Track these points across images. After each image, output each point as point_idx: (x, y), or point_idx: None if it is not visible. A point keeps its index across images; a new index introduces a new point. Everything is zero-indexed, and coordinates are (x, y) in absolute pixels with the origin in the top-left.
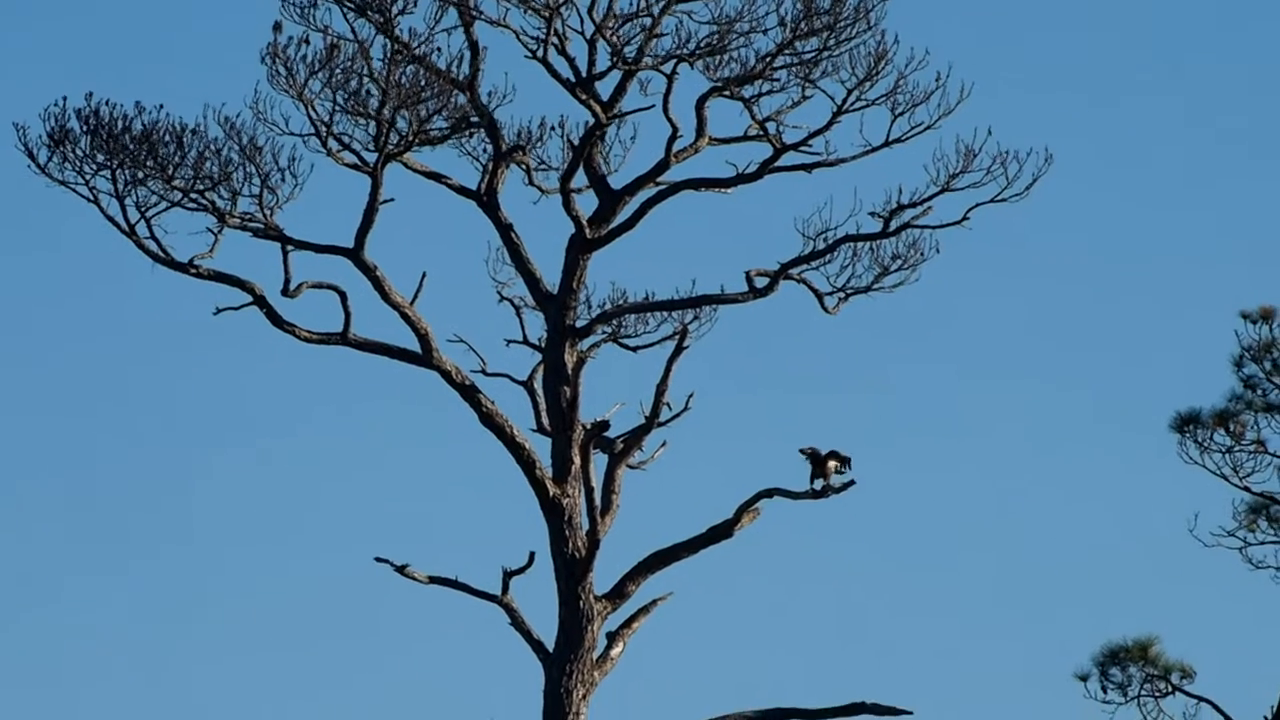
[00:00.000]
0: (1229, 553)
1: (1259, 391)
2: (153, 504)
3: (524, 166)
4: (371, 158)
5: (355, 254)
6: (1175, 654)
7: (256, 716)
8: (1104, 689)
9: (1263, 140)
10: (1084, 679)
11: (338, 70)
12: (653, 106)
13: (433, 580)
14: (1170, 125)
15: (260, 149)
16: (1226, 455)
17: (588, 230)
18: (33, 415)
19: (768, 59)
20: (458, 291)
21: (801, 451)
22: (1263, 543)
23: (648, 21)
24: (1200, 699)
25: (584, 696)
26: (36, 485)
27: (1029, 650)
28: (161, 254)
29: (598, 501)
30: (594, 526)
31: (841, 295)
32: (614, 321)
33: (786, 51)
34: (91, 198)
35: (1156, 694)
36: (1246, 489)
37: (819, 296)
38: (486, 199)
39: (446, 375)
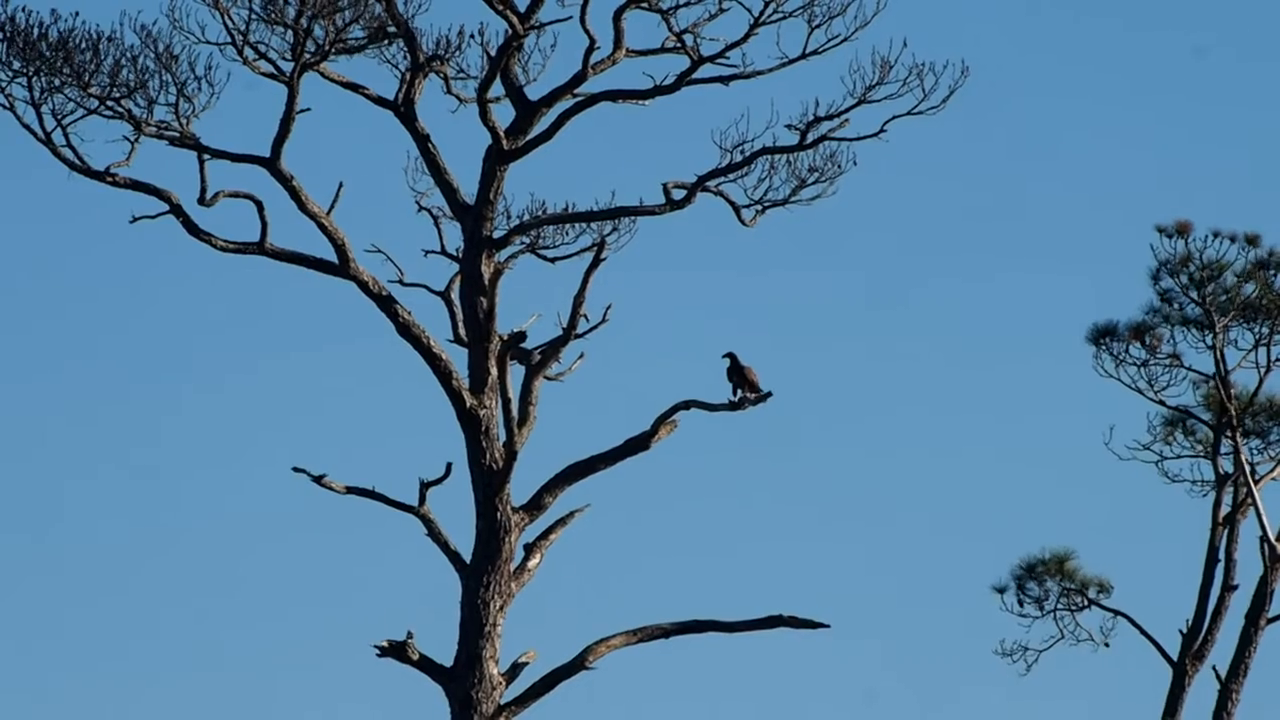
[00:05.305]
0: (1145, 466)
1: (1175, 305)
2: (65, 409)
3: (442, 76)
4: (288, 67)
5: (271, 163)
6: (1092, 567)
7: (173, 623)
8: (1020, 603)
9: (1181, 53)
10: (1001, 591)
11: None
12: (570, 18)
13: (350, 490)
14: (1087, 38)
15: (176, 57)
16: (1142, 369)
17: (505, 141)
18: None
19: None
20: (376, 202)
21: (725, 356)
22: (1178, 456)
23: None
24: (1116, 613)
25: (501, 608)
26: None
27: (946, 563)
28: (78, 162)
29: (515, 413)
30: (511, 438)
31: (759, 208)
32: (532, 232)
33: None
34: (7, 105)
35: (1073, 608)
36: (1162, 403)
37: (736, 209)
38: (404, 109)
39: (363, 285)
